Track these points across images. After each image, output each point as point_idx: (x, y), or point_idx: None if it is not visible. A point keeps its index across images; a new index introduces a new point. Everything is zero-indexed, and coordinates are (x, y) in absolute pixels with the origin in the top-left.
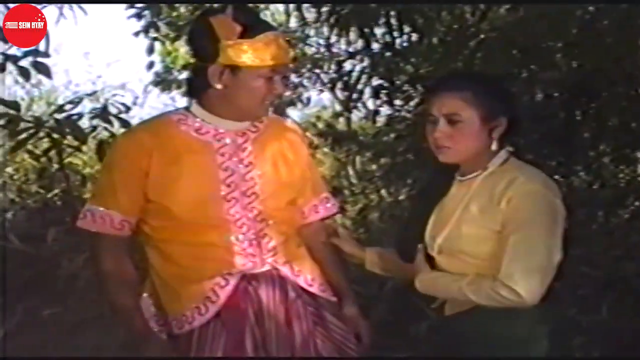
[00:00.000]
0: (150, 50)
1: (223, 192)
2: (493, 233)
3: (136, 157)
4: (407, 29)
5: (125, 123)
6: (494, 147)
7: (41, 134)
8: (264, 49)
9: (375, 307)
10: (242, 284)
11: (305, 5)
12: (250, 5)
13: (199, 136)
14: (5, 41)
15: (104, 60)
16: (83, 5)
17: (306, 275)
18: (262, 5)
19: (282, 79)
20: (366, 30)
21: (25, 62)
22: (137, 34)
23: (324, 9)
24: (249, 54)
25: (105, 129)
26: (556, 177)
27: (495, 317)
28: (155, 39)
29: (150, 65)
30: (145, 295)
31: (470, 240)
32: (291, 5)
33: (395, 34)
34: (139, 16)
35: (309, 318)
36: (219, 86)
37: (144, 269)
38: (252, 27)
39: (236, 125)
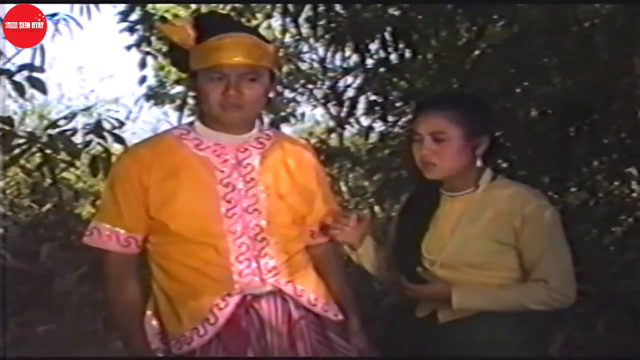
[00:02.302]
0: (143, 65)
1: (223, 208)
2: (499, 245)
3: (136, 173)
4: (402, 45)
5: (118, 138)
6: (478, 163)
7: (34, 149)
8: (210, 50)
9: (370, 325)
10: (242, 305)
11: (300, 21)
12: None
13: (198, 152)
14: None
15: (97, 75)
16: (78, 19)
17: (309, 295)
18: (259, 21)
19: (244, 82)
20: (361, 46)
21: (19, 77)
22: (129, 47)
23: (320, 23)
24: (198, 57)
25: (99, 144)
26: (549, 193)
27: (499, 322)
28: (147, 53)
29: (143, 79)
30: (149, 313)
31: (476, 253)
32: (288, 21)
33: (390, 49)
34: (131, 30)
35: (313, 338)
36: (191, 93)
37: (150, 286)
38: (207, 31)
39: (237, 139)
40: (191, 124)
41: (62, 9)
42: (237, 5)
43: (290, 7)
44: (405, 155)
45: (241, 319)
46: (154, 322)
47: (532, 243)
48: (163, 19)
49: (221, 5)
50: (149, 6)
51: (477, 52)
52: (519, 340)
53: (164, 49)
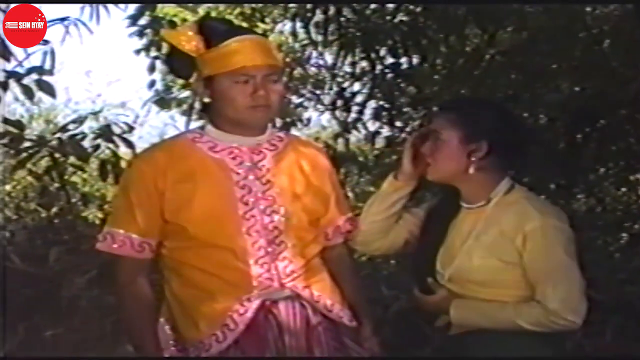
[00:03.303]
0: (152, 69)
1: (240, 210)
2: (502, 264)
3: (151, 177)
4: (411, 50)
5: (128, 143)
6: (471, 170)
7: (43, 153)
8: (230, 53)
9: (380, 331)
10: (261, 311)
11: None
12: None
13: (213, 154)
14: (8, 59)
15: (104, 79)
16: (88, 22)
17: (326, 301)
18: (268, 25)
19: (269, 83)
20: (370, 52)
21: (27, 80)
22: (138, 52)
23: (330, 28)
24: (216, 61)
25: (108, 148)
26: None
27: (504, 338)
28: (156, 57)
29: (152, 84)
30: (162, 320)
31: (479, 271)
32: (298, 26)
33: (399, 55)
34: (140, 34)
35: (330, 345)
36: (205, 99)
37: (162, 291)
38: (217, 36)
39: (249, 141)
40: (202, 128)
41: (70, 9)
42: (245, 10)
43: (301, 11)
44: None
45: (260, 324)
46: (167, 329)
47: (533, 262)
48: (172, 23)
49: (229, 10)
50: (158, 10)
51: (486, 57)
52: (529, 355)
53: None
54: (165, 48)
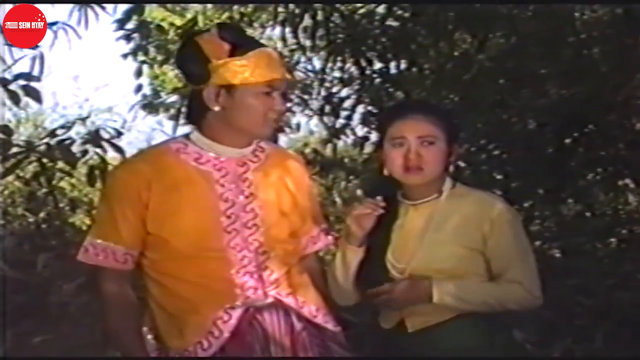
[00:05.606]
0: (139, 73)
1: (224, 223)
2: (467, 250)
3: (135, 188)
4: (400, 55)
5: (116, 148)
6: (451, 170)
7: (32, 159)
8: (256, 65)
9: (368, 336)
10: (246, 317)
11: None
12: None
13: (198, 165)
14: None
15: (92, 84)
16: (77, 28)
17: (310, 306)
18: (257, 31)
19: (280, 95)
20: (359, 57)
21: (14, 85)
22: (125, 56)
23: (318, 33)
24: (242, 71)
25: (96, 153)
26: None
27: (471, 330)
28: (143, 62)
29: (139, 88)
30: (144, 329)
31: (447, 260)
32: (287, 31)
33: (388, 60)
34: (127, 38)
35: (315, 350)
36: (216, 108)
37: (145, 298)
38: (241, 44)
39: (237, 153)
40: (186, 136)
41: (58, 14)
42: (233, 14)
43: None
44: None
45: (245, 331)
46: (150, 338)
47: (502, 246)
48: (159, 27)
49: (216, 14)
50: (145, 14)
51: (475, 63)
52: (490, 349)
53: (160, 57)
54: (152, 52)
